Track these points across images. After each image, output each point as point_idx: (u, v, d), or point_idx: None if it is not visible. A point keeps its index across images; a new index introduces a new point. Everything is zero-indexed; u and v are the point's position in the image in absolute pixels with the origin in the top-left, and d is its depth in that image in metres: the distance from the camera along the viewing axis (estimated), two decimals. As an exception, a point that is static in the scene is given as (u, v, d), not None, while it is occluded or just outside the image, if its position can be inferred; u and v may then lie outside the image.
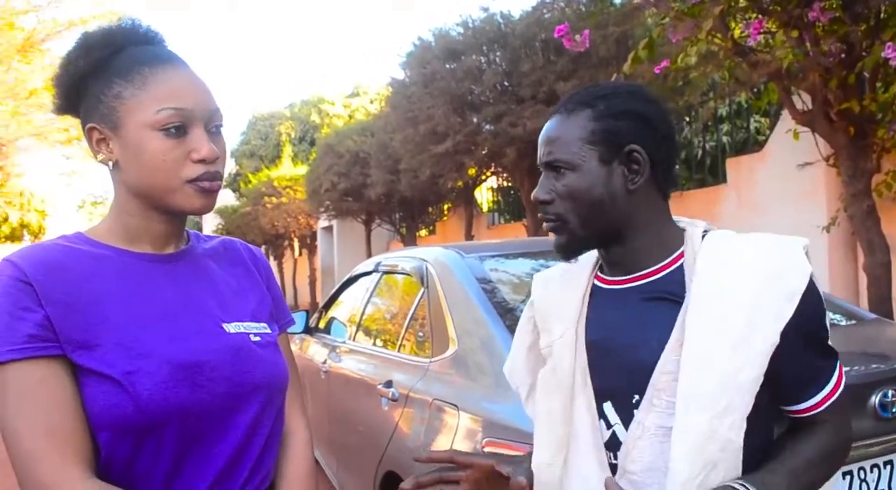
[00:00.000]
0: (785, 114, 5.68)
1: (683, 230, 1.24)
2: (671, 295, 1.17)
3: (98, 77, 1.09)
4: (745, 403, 1.07)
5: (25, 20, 12.61)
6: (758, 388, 1.07)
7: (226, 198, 26.10)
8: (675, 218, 1.26)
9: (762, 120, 8.11)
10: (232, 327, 1.15)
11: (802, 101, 4.70)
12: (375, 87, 25.10)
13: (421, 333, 3.02)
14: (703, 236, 1.21)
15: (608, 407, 1.21)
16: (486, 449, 2.09)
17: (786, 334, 1.07)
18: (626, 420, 1.18)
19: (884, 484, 2.01)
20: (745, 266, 1.12)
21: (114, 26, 1.12)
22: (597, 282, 1.30)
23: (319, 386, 4.01)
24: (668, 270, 1.20)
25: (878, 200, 4.44)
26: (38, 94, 12.92)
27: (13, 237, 24.62)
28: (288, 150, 24.09)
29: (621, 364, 1.19)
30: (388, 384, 2.88)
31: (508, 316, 2.59)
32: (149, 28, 1.15)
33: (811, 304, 1.10)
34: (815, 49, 3.94)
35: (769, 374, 1.08)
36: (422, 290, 3.04)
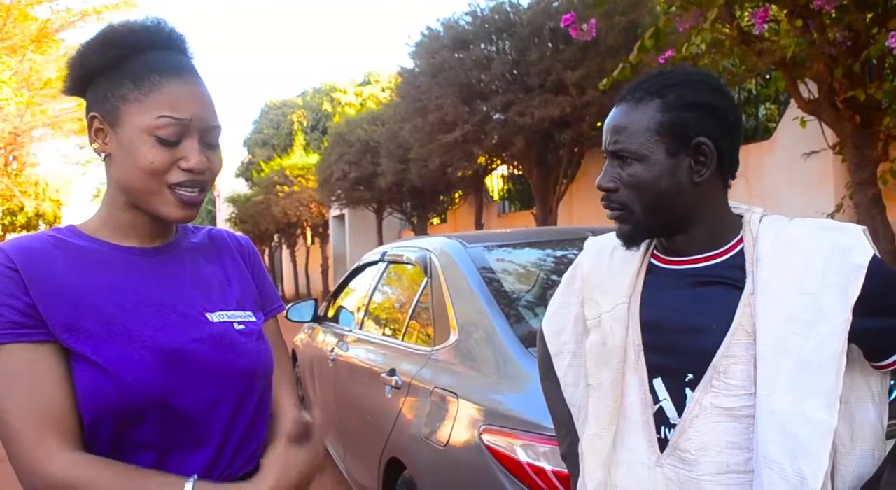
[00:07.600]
0: (793, 102, 5.65)
1: (740, 216, 1.26)
2: (730, 279, 1.19)
3: (110, 75, 1.10)
4: (831, 383, 1.07)
5: (40, 10, 12.71)
6: (843, 367, 1.07)
7: (238, 186, 26.24)
8: (731, 203, 1.27)
9: (771, 107, 8.07)
10: (216, 317, 1.17)
11: (809, 89, 4.69)
12: (387, 75, 25.08)
13: (424, 323, 3.06)
14: (761, 221, 1.22)
15: (658, 383, 1.24)
16: (485, 436, 2.14)
17: (857, 309, 1.08)
18: (676, 397, 1.22)
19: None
20: (808, 249, 1.14)
21: (138, 26, 1.12)
22: (654, 261, 1.31)
23: (327, 374, 4.07)
24: (727, 255, 1.22)
25: (884, 189, 4.43)
26: (53, 85, 13.03)
27: (28, 226, 24.83)
28: (300, 139, 24.16)
29: (678, 344, 1.21)
30: (392, 372, 2.93)
31: (510, 306, 2.63)
32: (172, 31, 1.15)
33: (879, 273, 1.10)
34: (820, 37, 3.93)
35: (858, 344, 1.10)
36: (425, 279, 3.08)
